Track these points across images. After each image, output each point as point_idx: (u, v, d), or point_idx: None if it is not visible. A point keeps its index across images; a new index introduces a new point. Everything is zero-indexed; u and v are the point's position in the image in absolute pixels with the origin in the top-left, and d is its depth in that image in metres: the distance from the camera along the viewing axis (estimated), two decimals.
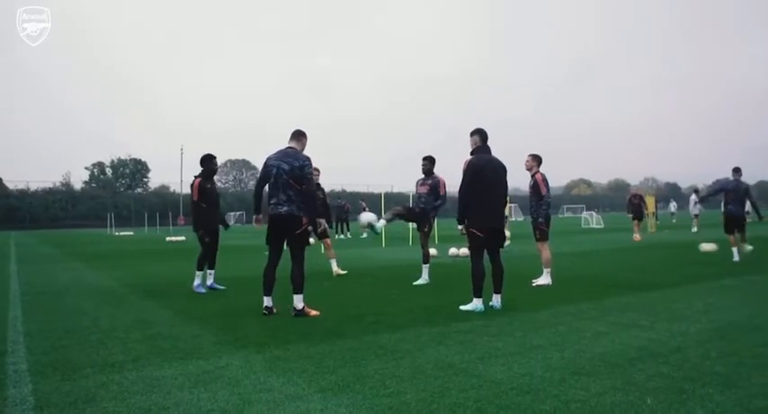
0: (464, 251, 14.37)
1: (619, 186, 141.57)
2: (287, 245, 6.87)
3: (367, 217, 9.04)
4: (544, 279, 9.06)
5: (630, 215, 21.65)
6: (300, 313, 6.61)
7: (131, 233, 43.94)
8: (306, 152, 7.00)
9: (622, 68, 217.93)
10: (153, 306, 7.67)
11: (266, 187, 6.96)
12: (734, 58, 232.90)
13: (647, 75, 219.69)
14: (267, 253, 6.94)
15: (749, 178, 15.87)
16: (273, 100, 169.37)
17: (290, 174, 6.67)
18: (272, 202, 6.77)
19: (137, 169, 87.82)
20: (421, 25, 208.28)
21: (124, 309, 7.51)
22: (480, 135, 7.17)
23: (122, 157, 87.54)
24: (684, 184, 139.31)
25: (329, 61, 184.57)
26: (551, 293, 8.06)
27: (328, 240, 11.04)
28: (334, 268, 11.03)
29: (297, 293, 6.68)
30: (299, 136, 7.04)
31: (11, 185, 73.66)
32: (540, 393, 3.74)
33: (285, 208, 6.68)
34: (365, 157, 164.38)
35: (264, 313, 6.71)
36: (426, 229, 9.57)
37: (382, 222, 9.00)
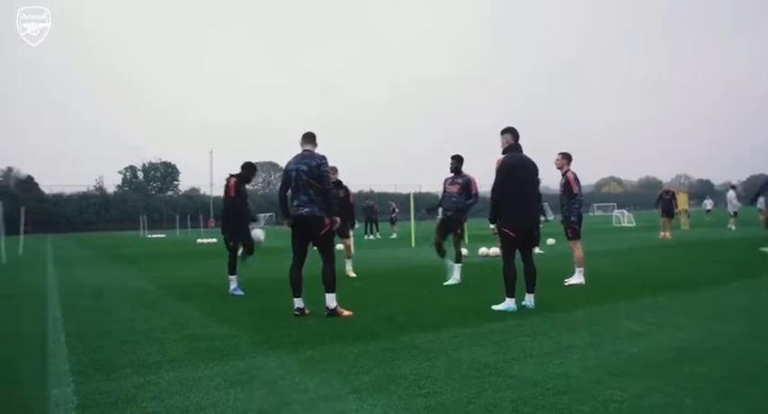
0: (494, 251, 14.31)
1: (650, 184, 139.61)
2: (313, 246, 6.92)
3: (256, 234, 9.38)
4: (577, 278, 8.96)
5: (660, 212, 21.32)
6: (333, 313, 6.63)
7: (163, 235, 44.57)
8: (325, 152, 7.03)
9: (651, 63, 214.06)
10: (187, 307, 7.77)
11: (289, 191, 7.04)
12: None
13: (680, 69, 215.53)
14: (291, 254, 7.00)
15: None
16: (289, 101, 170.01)
17: (309, 174, 6.76)
18: (294, 203, 6.86)
19: (167, 172, 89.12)
20: (436, 22, 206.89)
21: (159, 310, 7.62)
22: (512, 133, 7.11)
23: (153, 161, 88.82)
24: (717, 181, 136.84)
25: (346, 61, 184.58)
26: (585, 293, 7.97)
27: (348, 240, 11.01)
28: (347, 268, 10.96)
29: (329, 293, 6.70)
30: (312, 138, 7.12)
31: (47, 190, 75.33)
32: (578, 394, 3.70)
33: (307, 209, 6.74)
34: (392, 157, 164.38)
35: (296, 315, 6.75)
36: (459, 231, 9.61)
37: (450, 264, 9.45)
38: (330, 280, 6.73)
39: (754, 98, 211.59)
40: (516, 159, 6.96)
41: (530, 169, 7.03)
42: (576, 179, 9.06)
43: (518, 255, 6.97)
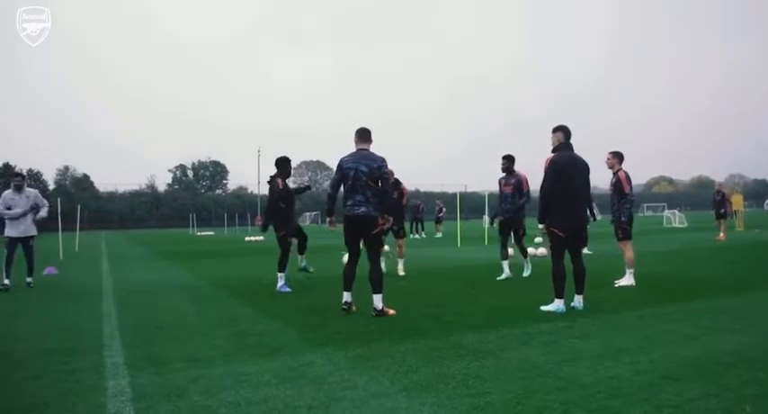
0: (542, 251, 14.13)
1: (702, 184, 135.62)
2: (363, 244, 6.95)
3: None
4: (627, 280, 8.78)
5: (714, 213, 20.80)
6: (380, 313, 6.64)
7: (212, 233, 45.43)
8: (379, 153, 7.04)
9: (710, 59, 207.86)
10: (236, 303, 7.90)
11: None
12: None
13: (735, 65, 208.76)
14: (346, 252, 7.05)
15: None
16: (335, 101, 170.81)
17: (369, 175, 6.73)
18: (348, 203, 6.84)
19: (216, 171, 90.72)
20: (479, 23, 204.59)
21: (209, 306, 7.78)
22: (564, 132, 6.98)
23: (203, 160, 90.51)
24: None
25: (387, 62, 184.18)
26: (635, 295, 7.80)
27: (400, 241, 11.06)
28: (399, 267, 11.07)
29: (376, 293, 6.71)
30: (367, 136, 7.04)
31: (101, 188, 77.72)
32: (630, 397, 3.63)
33: (363, 209, 6.74)
34: (436, 157, 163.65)
35: (344, 308, 6.83)
36: (521, 231, 9.91)
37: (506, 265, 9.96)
38: (377, 281, 6.75)
39: None
40: (567, 158, 6.84)
41: (581, 169, 6.91)
42: (627, 178, 8.87)
43: (567, 255, 6.87)
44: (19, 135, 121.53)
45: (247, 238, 30.78)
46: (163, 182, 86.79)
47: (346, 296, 6.87)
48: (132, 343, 5.51)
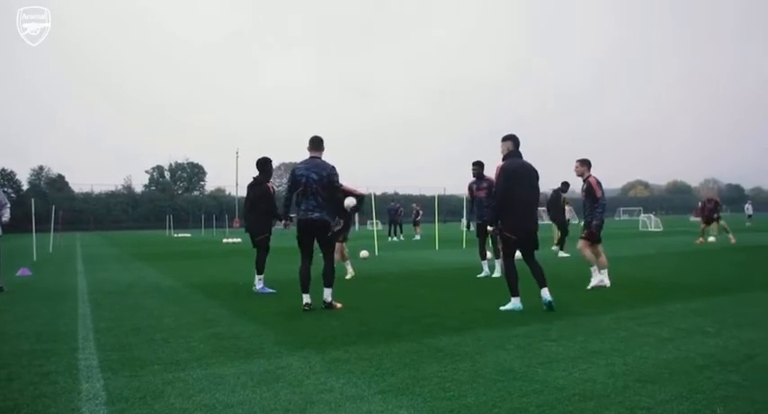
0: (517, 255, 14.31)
1: (678, 188, 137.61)
2: (318, 245, 7.40)
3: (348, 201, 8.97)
4: (596, 279, 8.92)
5: (700, 220, 21.32)
6: (329, 306, 7.22)
7: (189, 235, 45.07)
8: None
9: (681, 64, 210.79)
10: (213, 305, 7.85)
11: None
12: None
13: (709, 71, 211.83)
14: (300, 255, 7.44)
15: None
16: (318, 104, 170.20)
17: (319, 183, 7.23)
18: (302, 208, 7.29)
19: (194, 173, 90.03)
20: (463, 28, 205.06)
21: (186, 308, 7.72)
22: (513, 140, 7.29)
23: (180, 161, 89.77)
24: (749, 186, 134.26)
25: (369, 65, 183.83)
26: (611, 298, 7.89)
27: (343, 244, 10.63)
28: (349, 269, 10.89)
29: (328, 287, 7.30)
30: (319, 144, 7.51)
31: (76, 189, 76.72)
32: (604, 400, 3.67)
33: (317, 214, 7.23)
34: (415, 160, 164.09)
35: (305, 309, 7.14)
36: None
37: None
38: (329, 276, 7.32)
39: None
40: (517, 165, 7.16)
41: (530, 175, 7.21)
42: (598, 183, 9.03)
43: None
44: None
45: (225, 240, 30.60)
46: (139, 183, 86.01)
47: (306, 298, 7.23)
48: (107, 345, 5.45)
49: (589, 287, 8.80)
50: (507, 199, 7.04)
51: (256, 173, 9.23)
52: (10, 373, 4.53)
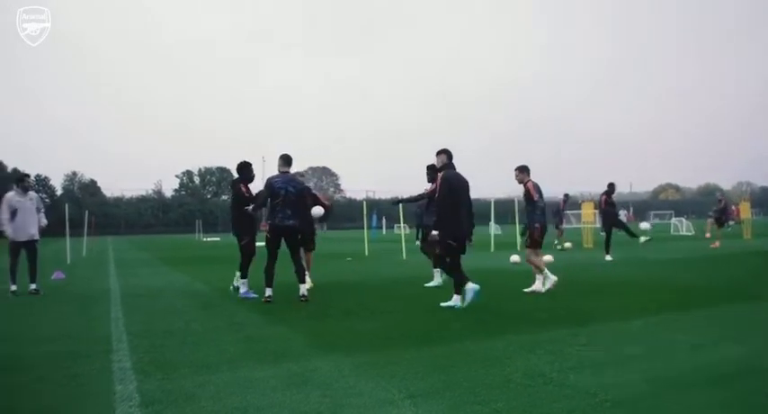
0: (548, 258, 14.21)
1: (710, 191, 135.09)
2: (287, 247, 8.54)
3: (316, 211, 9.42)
4: (537, 285, 8.94)
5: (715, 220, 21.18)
6: (305, 298, 8.25)
7: (218, 238, 45.50)
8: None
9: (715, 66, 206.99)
10: (242, 309, 7.93)
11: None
12: None
13: (742, 70, 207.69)
14: (268, 255, 8.57)
15: None
16: (340, 107, 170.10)
17: (298, 195, 8.49)
18: (279, 216, 8.39)
19: (222, 177, 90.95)
20: (467, 32, 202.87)
21: (215, 311, 7.82)
22: (447, 154, 7.99)
23: (209, 166, 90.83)
24: None
25: (375, 70, 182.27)
26: (642, 303, 7.77)
27: (308, 253, 10.22)
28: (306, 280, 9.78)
29: (302, 283, 8.49)
30: (290, 161, 8.71)
31: (108, 193, 78.02)
32: (636, 406, 3.63)
33: (292, 221, 8.44)
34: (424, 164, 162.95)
35: (267, 301, 8.21)
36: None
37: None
38: (302, 273, 8.59)
39: None
40: (455, 175, 7.84)
41: (465, 185, 7.92)
42: (535, 187, 9.10)
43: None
44: (18, 138, 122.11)
45: (259, 243, 30.77)
46: (169, 187, 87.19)
47: (269, 291, 8.40)
48: (140, 348, 5.54)
49: (526, 291, 8.92)
50: (448, 207, 7.63)
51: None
52: (45, 375, 4.64)
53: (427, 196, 9.61)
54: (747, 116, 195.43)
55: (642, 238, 16.29)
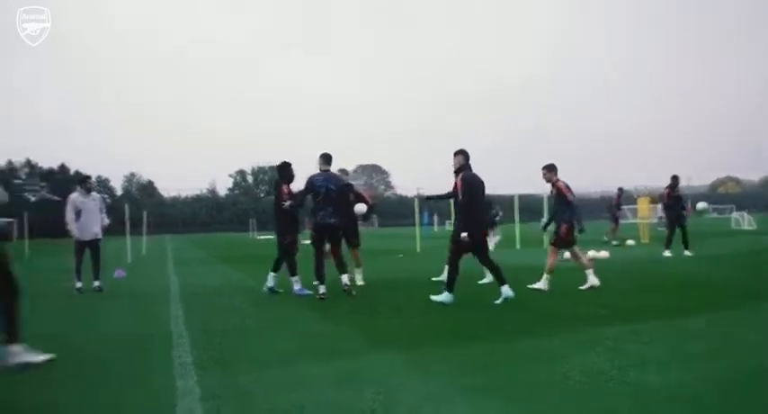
0: (603, 254, 13.94)
1: None
2: (329, 243, 8.86)
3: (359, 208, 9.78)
4: (542, 283, 8.83)
5: None
6: (348, 288, 8.61)
7: (271, 237, 46.10)
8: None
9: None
10: (295, 306, 8.03)
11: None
12: None
13: None
14: (315, 252, 8.77)
15: None
16: (384, 106, 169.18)
17: (339, 192, 8.71)
18: (321, 213, 8.58)
19: (274, 176, 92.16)
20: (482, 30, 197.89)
21: (269, 308, 7.95)
22: (464, 155, 8.03)
23: (262, 165, 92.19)
24: None
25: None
26: (704, 299, 7.53)
27: (355, 250, 10.25)
28: (358, 277, 10.21)
29: (343, 274, 8.71)
30: (330, 160, 8.84)
31: (164, 193, 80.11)
32: (699, 404, 3.52)
33: (333, 219, 8.64)
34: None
35: (322, 298, 8.29)
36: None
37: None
38: (341, 266, 8.81)
39: None
40: (474, 176, 7.92)
41: (482, 186, 7.99)
42: (566, 187, 8.93)
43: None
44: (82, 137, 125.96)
45: (304, 242, 31.12)
46: (223, 186, 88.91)
47: (322, 289, 8.45)
48: (199, 344, 5.66)
49: (530, 287, 8.89)
50: (467, 206, 7.71)
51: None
52: (110, 370, 4.80)
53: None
54: (747, 116, 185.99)
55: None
